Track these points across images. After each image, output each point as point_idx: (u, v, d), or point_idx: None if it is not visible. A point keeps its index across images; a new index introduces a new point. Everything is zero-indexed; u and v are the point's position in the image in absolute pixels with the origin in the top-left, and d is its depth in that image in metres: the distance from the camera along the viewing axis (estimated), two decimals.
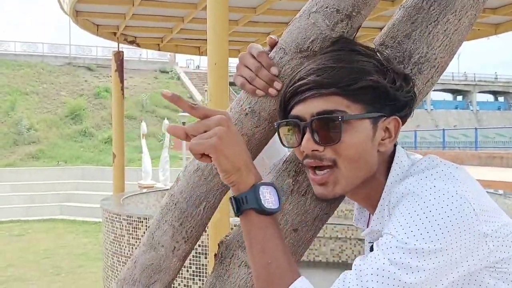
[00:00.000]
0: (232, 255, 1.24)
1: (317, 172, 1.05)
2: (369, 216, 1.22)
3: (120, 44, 7.10)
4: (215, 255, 1.29)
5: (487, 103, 58.92)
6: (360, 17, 1.11)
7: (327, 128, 1.00)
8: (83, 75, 32.69)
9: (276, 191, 1.00)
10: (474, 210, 0.93)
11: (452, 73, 57.40)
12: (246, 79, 1.13)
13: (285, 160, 1.28)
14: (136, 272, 1.25)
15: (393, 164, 1.07)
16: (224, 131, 0.95)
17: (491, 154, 17.21)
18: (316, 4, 1.11)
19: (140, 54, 36.38)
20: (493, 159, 16.48)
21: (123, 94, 6.74)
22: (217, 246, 1.30)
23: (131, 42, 7.13)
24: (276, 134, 1.11)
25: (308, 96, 1.01)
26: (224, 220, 3.57)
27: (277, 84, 1.11)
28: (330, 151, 1.02)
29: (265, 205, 0.97)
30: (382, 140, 1.05)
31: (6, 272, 9.80)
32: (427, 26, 1.14)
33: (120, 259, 4.53)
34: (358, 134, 1.01)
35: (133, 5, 5.52)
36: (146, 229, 4.03)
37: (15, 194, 18.22)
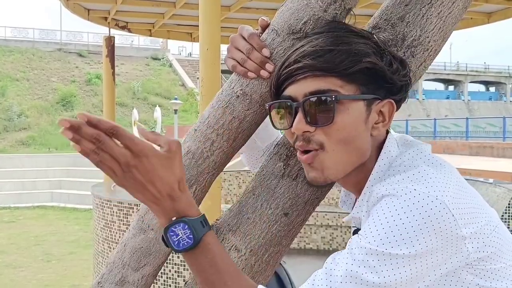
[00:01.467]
0: (223, 239, 1.23)
1: (305, 152, 1.03)
2: (355, 201, 1.20)
3: (111, 30, 7.06)
4: None
5: (478, 93, 59.16)
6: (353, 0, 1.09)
7: (320, 108, 0.98)
8: (74, 62, 32.45)
9: (191, 225, 0.94)
10: (453, 215, 0.91)
11: (444, 63, 57.54)
12: (238, 61, 1.12)
13: (277, 143, 1.28)
14: (126, 256, 1.24)
15: (381, 153, 1.05)
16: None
17: (481, 144, 17.34)
18: None
19: (132, 41, 36.19)
20: (484, 149, 16.60)
21: (114, 79, 6.70)
22: None
23: (123, 27, 7.07)
24: (268, 116, 1.10)
25: (302, 77, 0.99)
26: (216, 206, 3.56)
27: (269, 66, 1.10)
28: (321, 133, 0.99)
29: (176, 248, 0.95)
30: (376, 123, 1.03)
31: None
32: (420, 9, 1.13)
33: (110, 245, 4.53)
34: (351, 115, 0.98)
35: None
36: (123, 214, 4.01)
37: (6, 180, 18.13)
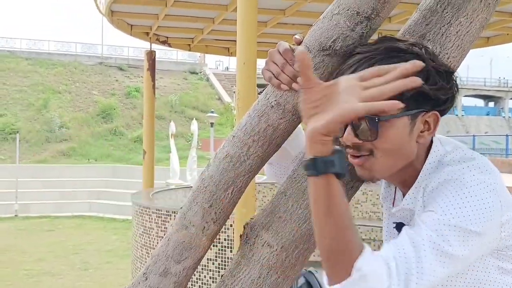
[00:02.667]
0: (256, 236, 1.35)
1: (356, 158, 1.15)
2: (395, 195, 1.30)
3: (152, 44, 7.30)
4: (241, 236, 1.41)
5: None
6: (379, 19, 1.21)
7: (366, 125, 1.08)
8: (115, 75, 33.19)
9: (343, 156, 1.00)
10: (500, 202, 1.06)
11: (484, 78, 56.47)
12: (273, 74, 1.23)
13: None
14: (169, 249, 1.37)
15: (430, 154, 1.16)
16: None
17: None
18: (339, 7, 1.21)
19: (170, 55, 36.82)
20: None
21: (154, 92, 6.90)
22: (243, 228, 1.41)
23: (163, 42, 7.30)
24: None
25: None
26: (250, 214, 3.68)
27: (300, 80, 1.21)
28: (368, 143, 1.11)
29: (339, 168, 0.97)
30: (421, 132, 1.13)
31: (36, 266, 10.04)
32: (440, 28, 1.23)
33: (149, 251, 4.68)
34: (395, 130, 1.09)
35: (166, 5, 5.67)
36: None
37: (46, 190, 18.62)
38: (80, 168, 21.02)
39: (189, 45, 7.75)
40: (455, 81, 1.15)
